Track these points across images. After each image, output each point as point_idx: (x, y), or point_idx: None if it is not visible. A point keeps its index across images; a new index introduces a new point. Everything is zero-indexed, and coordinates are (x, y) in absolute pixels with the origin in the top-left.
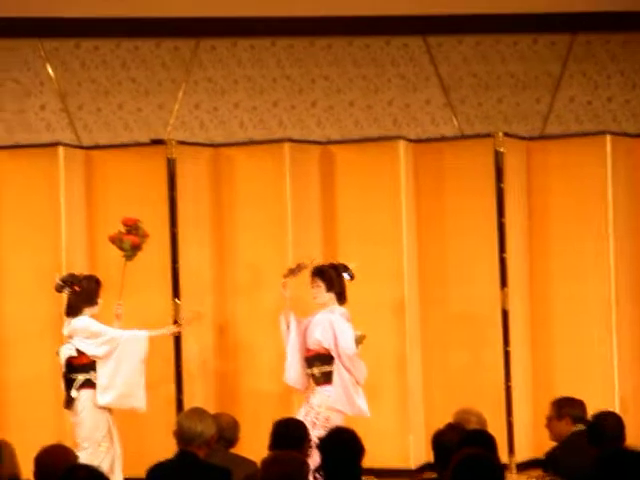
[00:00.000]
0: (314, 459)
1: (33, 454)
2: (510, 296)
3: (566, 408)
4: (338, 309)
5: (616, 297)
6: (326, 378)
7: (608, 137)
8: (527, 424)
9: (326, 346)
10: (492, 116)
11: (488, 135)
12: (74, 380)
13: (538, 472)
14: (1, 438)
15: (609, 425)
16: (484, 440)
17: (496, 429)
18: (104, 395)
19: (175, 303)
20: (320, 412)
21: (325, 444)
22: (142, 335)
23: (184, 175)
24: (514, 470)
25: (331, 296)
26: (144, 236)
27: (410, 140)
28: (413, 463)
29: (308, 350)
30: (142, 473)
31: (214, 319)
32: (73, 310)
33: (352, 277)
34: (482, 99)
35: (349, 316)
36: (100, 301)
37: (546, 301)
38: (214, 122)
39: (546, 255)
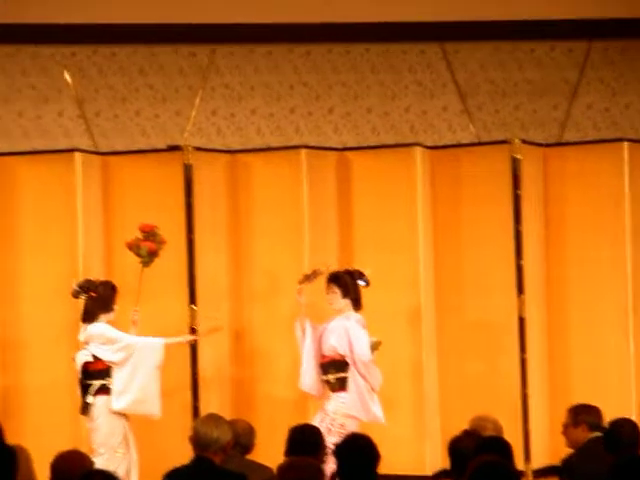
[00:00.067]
0: (329, 466)
1: (49, 460)
2: (527, 303)
3: (582, 415)
4: (354, 315)
5: (633, 304)
6: (341, 384)
7: (625, 144)
8: (543, 431)
9: (341, 352)
10: (509, 123)
11: (505, 142)
12: (90, 386)
13: (554, 479)
14: (17, 444)
15: (625, 432)
16: (500, 447)
17: (512, 436)
18: (119, 400)
19: (191, 309)
20: (335, 419)
21: (341, 450)
22: (158, 342)
23: (201, 181)
24: (530, 477)
25: (347, 302)
26: (161, 242)
27: (427, 147)
28: (429, 470)
29: (323, 356)
30: (158, 479)
31: (230, 325)
32: (89, 316)
33: (367, 283)
34: (499, 106)
35: (365, 322)
36: (116, 307)
37: (563, 308)
38: (231, 128)
39: (563, 262)
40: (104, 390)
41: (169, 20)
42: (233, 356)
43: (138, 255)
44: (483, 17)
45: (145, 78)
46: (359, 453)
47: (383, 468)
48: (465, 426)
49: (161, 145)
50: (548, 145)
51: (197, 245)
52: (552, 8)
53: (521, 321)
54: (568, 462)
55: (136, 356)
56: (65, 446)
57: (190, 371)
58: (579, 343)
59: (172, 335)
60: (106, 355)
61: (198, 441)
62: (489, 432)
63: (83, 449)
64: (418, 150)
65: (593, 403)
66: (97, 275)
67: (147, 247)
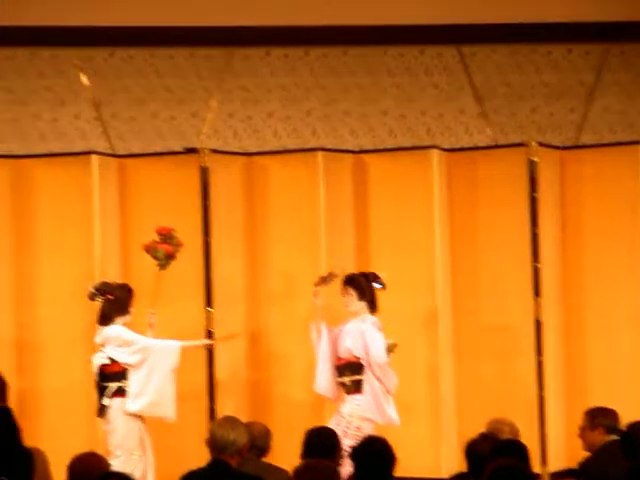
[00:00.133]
0: (345, 468)
1: (65, 462)
2: (543, 306)
3: (599, 418)
4: (369, 318)
5: None
6: (357, 387)
7: None
8: (560, 434)
9: (357, 355)
10: (526, 126)
11: (522, 144)
12: (106, 388)
13: None
14: (34, 446)
15: None
16: (517, 450)
17: (529, 439)
18: (134, 402)
19: (208, 312)
20: (351, 421)
21: (357, 453)
22: (175, 345)
23: (217, 184)
24: None
25: (362, 305)
26: (178, 245)
27: (443, 149)
28: (445, 473)
29: (339, 359)
30: None
31: (246, 328)
32: (105, 318)
33: (383, 286)
34: (516, 109)
35: (380, 325)
36: (133, 310)
37: (579, 312)
38: (247, 131)
39: (579, 265)
40: (120, 392)
41: (186, 23)
42: (249, 359)
43: (155, 258)
44: (500, 20)
45: (162, 80)
46: (375, 456)
47: (399, 471)
48: (482, 429)
49: (178, 147)
50: (565, 148)
51: (213, 248)
52: (569, 11)
53: (538, 324)
54: (585, 465)
55: (152, 358)
56: (81, 448)
57: (206, 373)
58: (595, 346)
59: (188, 338)
60: (122, 357)
61: (214, 444)
62: (506, 435)
63: (100, 451)
64: (435, 153)
65: (609, 406)
66: (114, 278)
67: (164, 250)
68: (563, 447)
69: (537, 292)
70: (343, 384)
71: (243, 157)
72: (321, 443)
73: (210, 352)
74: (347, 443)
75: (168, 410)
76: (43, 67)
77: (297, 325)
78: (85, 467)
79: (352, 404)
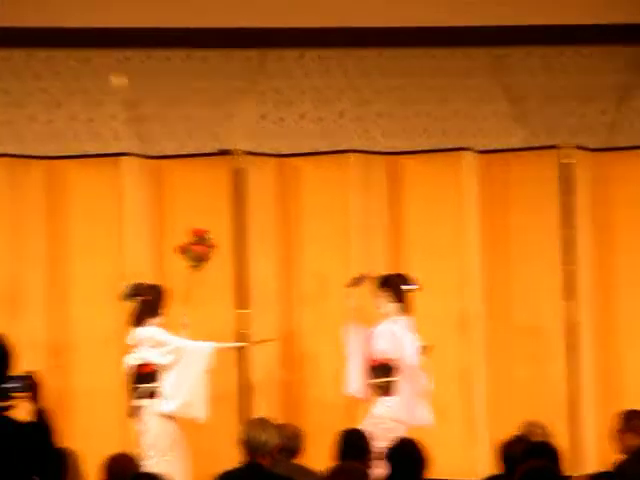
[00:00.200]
0: (377, 470)
1: (98, 463)
2: (576, 308)
3: (634, 420)
4: (402, 319)
5: None
6: (388, 388)
7: None
8: (593, 437)
9: (389, 356)
10: (558, 128)
11: (554, 146)
12: (139, 389)
13: None
14: (66, 447)
15: None
16: (549, 452)
17: (562, 441)
18: (168, 403)
19: (240, 314)
20: (383, 423)
21: (391, 455)
22: (208, 346)
23: (250, 185)
24: None
25: (395, 306)
26: (211, 247)
27: (476, 151)
28: (478, 475)
29: (371, 360)
30: None
31: (279, 329)
32: (138, 319)
33: (416, 287)
34: (548, 111)
35: (413, 326)
36: (165, 311)
37: (612, 314)
38: (280, 132)
39: (612, 268)
40: (153, 393)
41: (220, 24)
42: (282, 360)
43: (188, 259)
44: (533, 22)
45: (195, 82)
46: (409, 458)
47: (432, 473)
48: (514, 431)
49: (211, 149)
50: (597, 150)
51: (246, 249)
52: (601, 12)
53: (571, 326)
54: (621, 468)
55: (185, 359)
56: (114, 449)
57: (239, 375)
58: (628, 348)
59: (221, 339)
60: (155, 358)
61: (247, 445)
62: (538, 438)
63: (132, 452)
64: (467, 155)
65: None
66: (147, 279)
67: (197, 251)
68: (595, 450)
69: (570, 294)
70: (375, 385)
71: (276, 159)
72: (352, 445)
73: (243, 354)
74: (379, 445)
75: (200, 411)
76: (79, 68)
77: (329, 326)
78: (118, 468)
79: (383, 406)
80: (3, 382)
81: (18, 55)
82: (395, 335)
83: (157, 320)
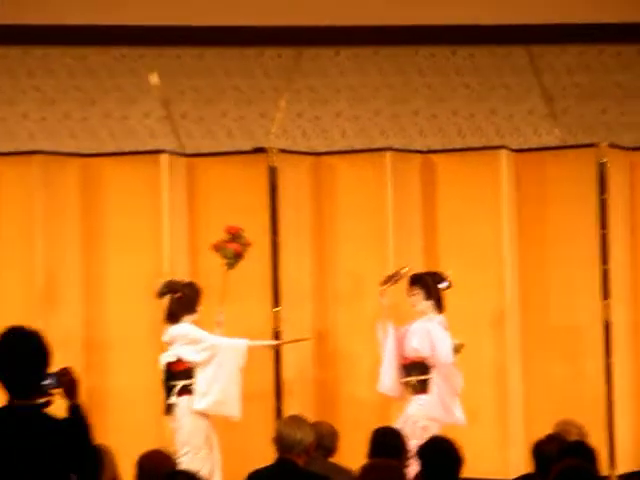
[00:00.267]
0: (412, 468)
1: (133, 460)
2: (612, 307)
3: None
4: (436, 317)
5: None
6: (422, 387)
7: None
8: (629, 436)
9: (423, 354)
10: (595, 126)
11: (591, 145)
12: (174, 386)
13: None
14: (102, 444)
15: None
16: (584, 452)
17: (597, 441)
18: (201, 401)
19: (275, 312)
20: (417, 421)
21: (424, 453)
22: (242, 344)
23: (285, 184)
24: None
25: (429, 304)
26: (246, 244)
27: (512, 150)
28: (512, 474)
29: (405, 358)
30: None
31: (313, 327)
32: (173, 317)
33: (449, 285)
34: (585, 109)
35: (447, 324)
36: (200, 308)
37: None
38: (316, 131)
39: None
40: (187, 390)
41: (256, 22)
42: (316, 358)
43: (223, 257)
44: (570, 20)
45: (231, 80)
46: (442, 456)
47: (466, 472)
48: (549, 430)
49: (246, 147)
50: (635, 149)
51: (281, 247)
52: (638, 10)
53: (607, 325)
54: None
55: (219, 357)
56: (149, 446)
57: (273, 373)
58: None
59: (255, 337)
60: (190, 355)
61: (281, 442)
62: (573, 437)
63: (167, 449)
64: (503, 153)
65: None
66: (182, 276)
67: (232, 249)
68: (632, 449)
69: (606, 293)
70: (409, 384)
71: (311, 157)
72: (387, 443)
73: (277, 352)
74: (413, 443)
75: (233, 409)
76: (114, 66)
77: (364, 324)
78: (153, 464)
79: (417, 404)
80: (42, 379)
81: (53, 52)
82: (430, 333)
83: (192, 317)
